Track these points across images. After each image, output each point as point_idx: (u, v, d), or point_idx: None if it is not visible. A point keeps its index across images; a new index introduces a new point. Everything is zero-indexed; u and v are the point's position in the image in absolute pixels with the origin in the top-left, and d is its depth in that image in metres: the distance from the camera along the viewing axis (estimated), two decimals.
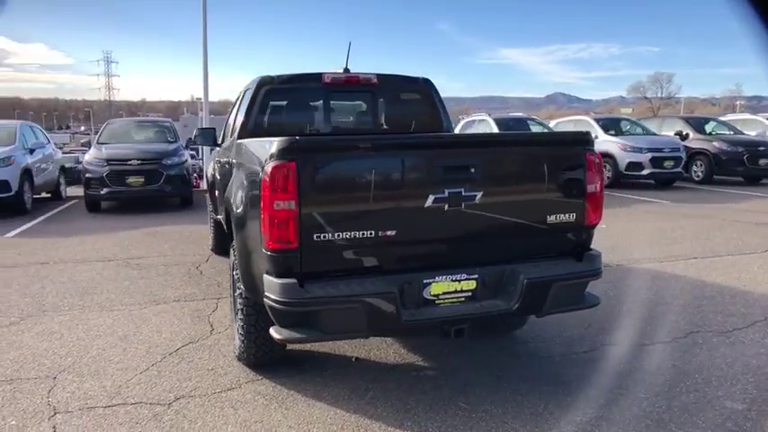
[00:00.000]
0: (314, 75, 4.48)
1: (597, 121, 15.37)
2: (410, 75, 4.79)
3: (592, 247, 3.39)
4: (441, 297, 3.00)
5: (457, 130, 16.00)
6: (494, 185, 3.00)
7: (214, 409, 3.22)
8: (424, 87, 4.76)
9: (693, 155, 15.12)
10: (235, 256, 3.55)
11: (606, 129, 14.94)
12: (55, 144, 19.64)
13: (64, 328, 4.47)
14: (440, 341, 4.12)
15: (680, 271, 6.09)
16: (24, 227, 9.08)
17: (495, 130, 13.77)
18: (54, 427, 3.04)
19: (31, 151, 10.87)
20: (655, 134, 15.22)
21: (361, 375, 3.63)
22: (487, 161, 3.03)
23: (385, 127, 4.75)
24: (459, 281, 3.01)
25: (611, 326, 4.44)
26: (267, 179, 2.69)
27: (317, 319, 2.82)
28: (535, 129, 14.83)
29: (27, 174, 10.38)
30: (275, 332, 2.88)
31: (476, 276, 3.04)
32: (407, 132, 4.64)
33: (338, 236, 2.77)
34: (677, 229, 8.51)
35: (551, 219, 3.12)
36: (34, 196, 11.05)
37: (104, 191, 10.30)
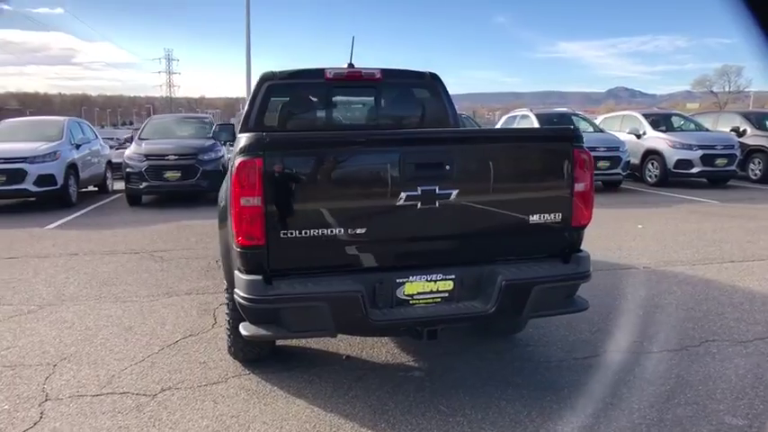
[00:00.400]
0: (316, 70, 4.46)
1: (646, 116, 14.72)
2: (416, 69, 4.71)
3: (582, 248, 3.24)
4: (415, 297, 2.92)
5: (498, 126, 15.75)
6: (470, 183, 2.91)
7: (195, 402, 3.25)
8: (430, 82, 4.66)
9: (751, 152, 14.33)
10: None
11: (656, 124, 14.33)
12: (118, 139, 20.56)
13: (76, 318, 4.63)
14: (436, 342, 4.04)
15: (712, 275, 5.77)
16: (66, 219, 9.48)
17: (536, 125, 13.44)
18: (42, 413, 3.14)
19: (78, 146, 11.33)
20: (708, 130, 14.50)
21: (347, 373, 3.59)
22: (463, 158, 2.93)
23: (389, 122, 4.69)
24: (435, 281, 2.93)
25: (621, 331, 4.24)
26: (235, 175, 2.69)
27: (283, 316, 2.80)
28: (580, 125, 14.41)
29: (73, 168, 10.82)
30: (243, 329, 2.88)
31: (453, 277, 2.95)
32: (410, 128, 4.55)
33: (306, 233, 2.74)
34: (719, 230, 8.08)
35: (534, 218, 2.99)
36: (81, 189, 11.52)
37: (143, 185, 10.64)
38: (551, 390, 3.34)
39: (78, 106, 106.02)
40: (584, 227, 3.16)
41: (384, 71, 4.50)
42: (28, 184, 9.94)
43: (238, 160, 2.69)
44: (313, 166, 2.80)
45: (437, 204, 2.82)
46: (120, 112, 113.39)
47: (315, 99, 4.71)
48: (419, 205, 2.80)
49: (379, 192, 2.80)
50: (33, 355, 3.90)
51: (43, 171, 10.03)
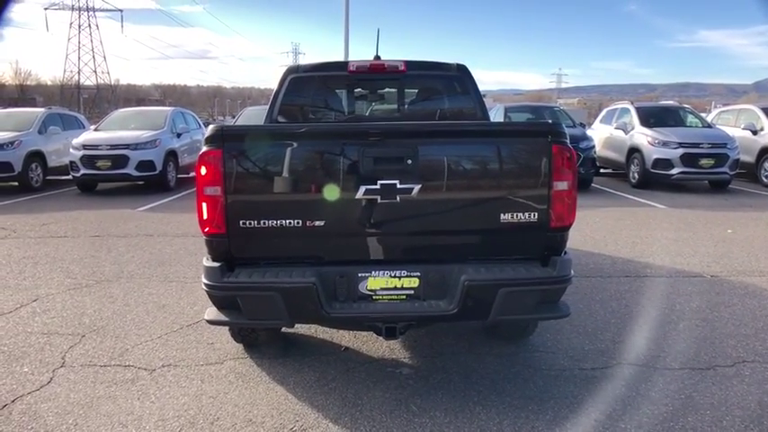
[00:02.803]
0: (340, 63, 4.48)
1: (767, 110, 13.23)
2: (443, 61, 4.57)
3: (567, 250, 3.00)
4: (379, 293, 2.87)
5: (597, 120, 14.89)
6: (434, 179, 2.80)
7: (185, 380, 3.42)
8: (457, 74, 4.51)
9: None
10: None
11: None
12: None
13: (121, 294, 5.02)
14: (441, 339, 3.96)
15: None
16: (158, 202, 10.25)
17: (636, 119, 12.56)
18: (51, 378, 3.45)
19: (179, 135, 12.20)
20: None
21: (338, 365, 3.60)
22: (426, 152, 2.82)
23: (412, 115, 4.61)
24: (400, 278, 2.86)
25: (647, 344, 3.89)
26: (198, 165, 2.80)
27: (240, 304, 2.87)
28: (688, 119, 13.29)
29: (172, 155, 11.68)
30: (207, 313, 2.99)
31: (418, 274, 2.86)
32: (433, 121, 4.42)
33: (265, 224, 2.79)
34: None
35: (505, 218, 2.81)
36: (182, 175, 12.39)
37: None
38: (536, 400, 3.15)
39: (212, 97, 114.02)
40: (565, 228, 2.92)
41: (408, 63, 4.41)
42: (130, 169, 10.89)
43: (201, 151, 2.79)
44: (271, 158, 2.83)
45: (398, 199, 2.75)
46: (249, 103, 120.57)
47: (338, 92, 4.74)
48: (379, 199, 2.75)
49: (338, 185, 2.78)
50: (70, 325, 4.29)
51: (144, 157, 10.93)
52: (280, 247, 2.88)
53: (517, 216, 2.81)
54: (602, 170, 13.98)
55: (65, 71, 70.91)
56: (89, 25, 71.03)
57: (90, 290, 5.16)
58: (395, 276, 2.86)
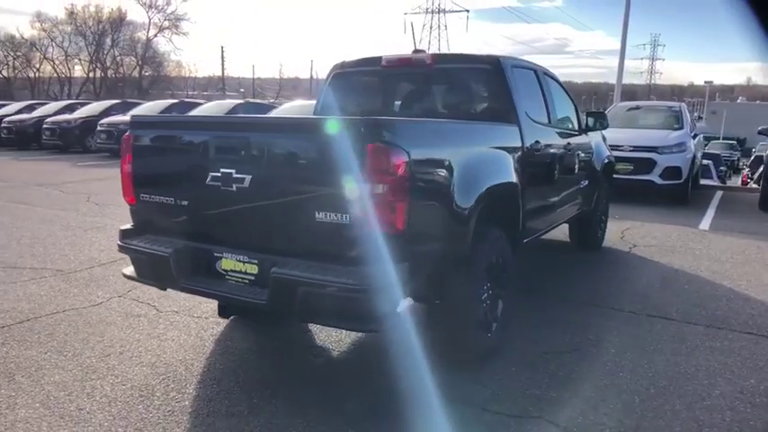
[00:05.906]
0: (375, 58, 4.47)
1: None
2: (475, 53, 4.15)
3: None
4: (230, 273, 3.07)
5: None
6: (262, 171, 2.91)
7: (167, 324, 4.05)
8: (489, 69, 4.07)
9: None
10: None
11: None
12: None
13: None
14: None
15: None
16: None
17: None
18: (102, 302, 4.50)
19: None
20: None
21: (277, 341, 3.87)
22: (255, 145, 2.96)
23: (441, 110, 4.33)
24: (243, 262, 3.02)
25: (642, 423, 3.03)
26: (121, 146, 3.41)
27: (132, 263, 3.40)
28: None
29: None
30: (126, 268, 3.56)
31: (256, 261, 2.98)
32: (461, 117, 4.09)
33: (152, 198, 3.28)
34: None
35: (320, 217, 2.72)
36: None
37: None
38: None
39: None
40: (386, 237, 2.62)
41: (435, 56, 4.20)
42: None
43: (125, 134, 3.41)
44: (157, 142, 3.33)
45: (234, 188, 2.92)
46: (594, 100, 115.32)
47: (372, 88, 4.74)
48: (221, 186, 2.96)
49: (196, 170, 3.09)
50: None
51: None
52: (164, 220, 3.31)
53: (330, 216, 2.70)
54: None
55: None
56: (439, 26, 77.56)
57: None
58: (240, 261, 3.03)
